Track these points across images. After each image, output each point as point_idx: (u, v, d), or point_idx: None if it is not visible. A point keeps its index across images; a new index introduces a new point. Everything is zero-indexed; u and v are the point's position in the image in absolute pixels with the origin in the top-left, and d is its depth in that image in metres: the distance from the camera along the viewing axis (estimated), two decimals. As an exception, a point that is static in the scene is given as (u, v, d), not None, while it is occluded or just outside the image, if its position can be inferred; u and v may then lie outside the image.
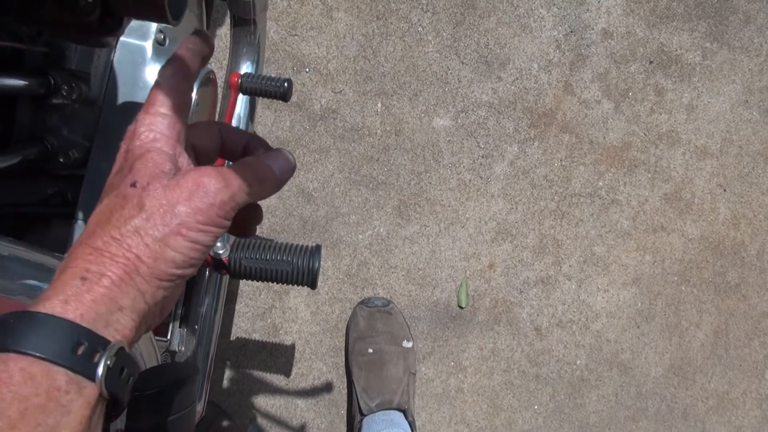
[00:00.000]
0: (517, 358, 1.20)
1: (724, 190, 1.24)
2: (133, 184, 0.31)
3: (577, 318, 1.21)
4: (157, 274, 0.30)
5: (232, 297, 1.13)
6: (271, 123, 1.13)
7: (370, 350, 1.08)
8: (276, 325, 1.14)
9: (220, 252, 0.37)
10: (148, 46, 0.55)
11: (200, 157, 0.37)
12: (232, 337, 1.13)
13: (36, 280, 0.41)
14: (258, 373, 1.14)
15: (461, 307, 1.18)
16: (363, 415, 1.05)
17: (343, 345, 1.15)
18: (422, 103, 1.16)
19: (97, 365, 0.27)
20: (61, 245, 0.54)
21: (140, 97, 0.56)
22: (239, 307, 1.13)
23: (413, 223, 1.16)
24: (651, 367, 1.24)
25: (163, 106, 0.33)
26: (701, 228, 1.24)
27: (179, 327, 0.76)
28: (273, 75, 0.68)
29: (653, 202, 1.22)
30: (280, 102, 1.05)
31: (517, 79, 1.18)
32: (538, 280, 1.20)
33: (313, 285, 0.37)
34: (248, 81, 0.63)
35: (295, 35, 1.13)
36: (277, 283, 0.38)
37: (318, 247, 0.38)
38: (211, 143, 0.38)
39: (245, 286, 1.14)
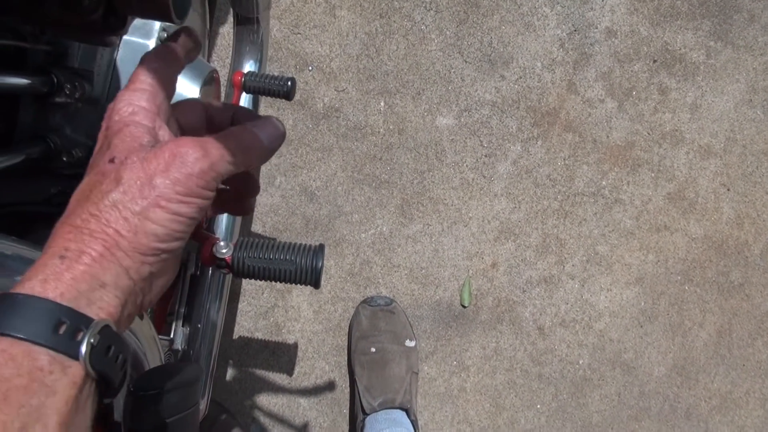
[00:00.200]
0: (520, 357, 1.20)
1: (728, 190, 1.24)
2: (112, 160, 0.30)
3: (580, 317, 1.21)
4: (139, 248, 0.29)
5: (234, 296, 1.13)
6: (274, 121, 1.13)
7: (373, 349, 1.08)
8: (279, 323, 1.14)
9: (224, 251, 0.37)
10: (152, 44, 0.54)
11: (186, 135, 0.36)
12: (235, 336, 1.13)
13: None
14: (260, 372, 1.14)
15: (464, 307, 1.17)
16: (365, 414, 1.05)
17: (346, 344, 1.15)
18: (425, 102, 1.16)
19: (80, 344, 0.26)
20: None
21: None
22: (242, 305, 1.13)
23: (416, 222, 1.16)
24: (654, 366, 1.23)
25: (144, 83, 0.32)
26: (705, 227, 1.24)
27: (182, 326, 0.76)
28: (276, 74, 0.68)
29: (656, 201, 1.22)
30: (283, 100, 1.05)
31: (521, 77, 1.18)
32: (541, 280, 1.20)
33: (316, 284, 0.37)
34: (252, 80, 0.63)
35: (298, 33, 1.13)
36: (281, 282, 0.37)
37: (321, 247, 0.38)
38: (195, 119, 0.37)
39: (248, 284, 1.14)
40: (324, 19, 1.13)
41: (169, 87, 0.34)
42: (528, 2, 1.17)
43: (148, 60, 0.34)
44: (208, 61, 1.06)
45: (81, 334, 0.26)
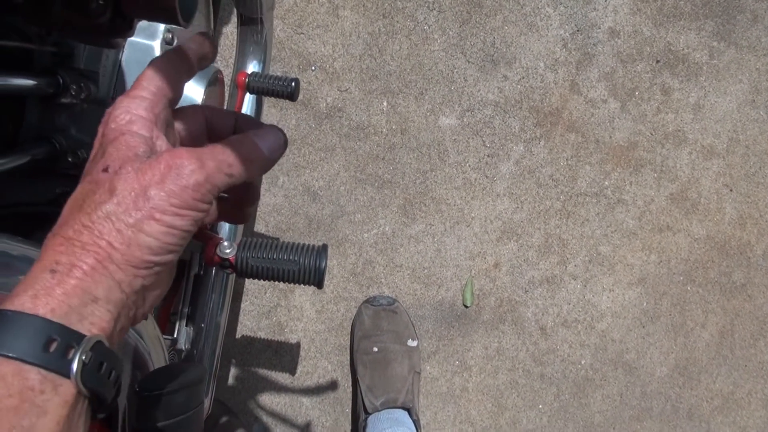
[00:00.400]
0: (522, 357, 1.20)
1: (731, 190, 1.24)
2: (105, 169, 0.29)
3: (582, 318, 1.21)
4: (132, 261, 0.28)
5: (237, 295, 1.13)
6: (277, 121, 1.13)
7: (375, 349, 1.08)
8: (281, 323, 1.14)
9: (228, 251, 0.37)
10: (157, 45, 0.55)
11: (187, 143, 0.35)
12: (238, 336, 1.14)
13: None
14: (263, 371, 1.14)
15: (466, 306, 1.18)
16: (368, 413, 1.05)
17: (348, 343, 1.15)
18: (428, 102, 1.16)
19: (71, 361, 0.26)
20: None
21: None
22: (245, 305, 1.14)
23: (418, 222, 1.16)
24: (656, 367, 1.23)
25: (145, 90, 0.32)
26: (707, 228, 1.24)
27: (186, 325, 0.76)
28: (280, 74, 0.68)
29: (659, 201, 1.22)
30: (287, 101, 1.06)
31: (524, 78, 1.18)
32: (544, 280, 1.20)
33: (319, 285, 0.37)
34: (256, 80, 0.63)
35: (301, 33, 1.13)
36: (284, 282, 0.38)
37: (325, 247, 0.38)
38: (195, 126, 0.36)
39: (250, 284, 1.14)
40: (327, 19, 1.14)
41: (173, 93, 0.33)
42: (531, 2, 1.17)
43: (155, 65, 0.33)
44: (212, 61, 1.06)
45: (72, 351, 0.26)
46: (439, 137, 1.16)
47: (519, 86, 1.18)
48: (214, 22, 0.77)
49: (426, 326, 1.17)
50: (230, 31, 1.13)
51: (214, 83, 0.62)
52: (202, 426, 0.41)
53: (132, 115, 0.31)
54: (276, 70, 1.13)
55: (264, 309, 1.14)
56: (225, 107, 0.73)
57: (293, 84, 0.63)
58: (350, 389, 1.16)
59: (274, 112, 1.13)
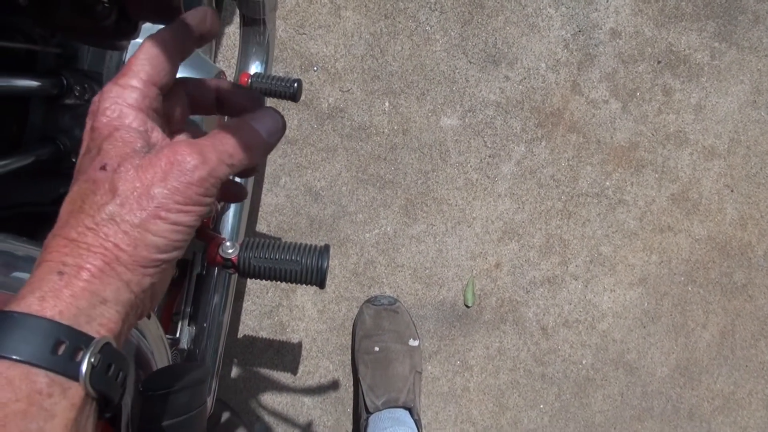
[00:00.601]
0: (523, 357, 1.20)
1: (732, 191, 1.24)
2: (103, 167, 0.28)
3: (584, 318, 1.21)
4: (140, 261, 0.28)
5: (239, 295, 1.13)
6: (279, 122, 1.13)
7: (377, 348, 1.09)
8: (283, 323, 1.15)
9: (230, 251, 0.37)
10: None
11: (171, 121, 0.35)
12: (240, 335, 1.14)
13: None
14: (265, 371, 1.15)
15: (467, 306, 1.18)
16: (369, 413, 1.05)
17: (350, 343, 1.15)
18: (430, 102, 1.16)
19: (80, 364, 0.25)
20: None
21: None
22: (246, 305, 1.14)
23: (420, 222, 1.17)
24: (657, 367, 1.24)
25: (134, 78, 0.30)
26: (708, 228, 1.24)
27: (188, 325, 0.76)
28: (282, 75, 0.68)
29: (660, 202, 1.22)
30: (289, 101, 1.06)
31: (525, 78, 1.18)
32: (545, 280, 1.20)
33: (321, 285, 0.37)
34: (258, 81, 0.63)
35: (303, 34, 1.14)
36: (286, 282, 0.38)
37: (327, 247, 0.38)
38: (179, 103, 0.35)
39: (252, 284, 1.14)
40: (329, 19, 1.14)
41: (166, 78, 0.32)
42: (532, 3, 1.17)
43: (148, 46, 0.31)
44: (215, 62, 1.07)
45: (81, 354, 0.25)
46: (441, 138, 1.16)
47: (520, 87, 1.18)
48: (216, 23, 0.78)
49: (427, 326, 1.18)
50: (233, 32, 1.13)
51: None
52: (205, 425, 0.42)
53: (122, 108, 0.30)
54: (278, 70, 1.13)
55: (266, 309, 1.14)
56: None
57: (296, 85, 0.63)
58: (351, 389, 1.16)
59: (276, 113, 1.13)
